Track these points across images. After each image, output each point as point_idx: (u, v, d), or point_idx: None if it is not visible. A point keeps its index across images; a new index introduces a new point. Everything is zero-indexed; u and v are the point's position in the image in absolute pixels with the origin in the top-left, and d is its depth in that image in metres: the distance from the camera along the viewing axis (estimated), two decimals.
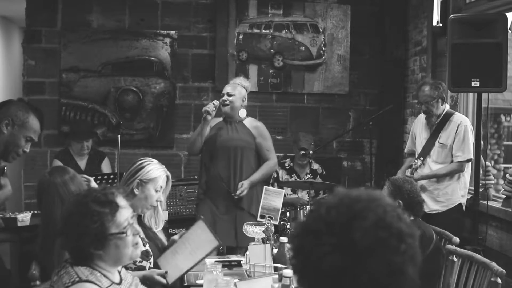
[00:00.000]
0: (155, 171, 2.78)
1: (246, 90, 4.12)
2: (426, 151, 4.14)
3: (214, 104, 3.94)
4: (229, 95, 4.00)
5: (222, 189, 3.95)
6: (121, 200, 1.88)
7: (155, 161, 2.87)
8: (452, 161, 4.06)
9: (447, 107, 4.18)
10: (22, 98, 3.07)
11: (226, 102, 3.99)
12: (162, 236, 2.94)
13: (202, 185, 4.03)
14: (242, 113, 4.03)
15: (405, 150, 4.57)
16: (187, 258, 2.69)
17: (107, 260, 1.85)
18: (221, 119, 4.09)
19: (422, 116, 4.30)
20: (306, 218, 1.13)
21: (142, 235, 2.58)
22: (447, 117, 4.11)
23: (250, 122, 4.11)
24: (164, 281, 2.58)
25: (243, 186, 3.90)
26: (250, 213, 3.92)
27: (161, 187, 2.80)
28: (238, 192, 3.88)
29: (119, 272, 1.96)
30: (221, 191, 3.95)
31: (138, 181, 2.75)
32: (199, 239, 2.73)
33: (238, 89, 4.03)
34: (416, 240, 1.09)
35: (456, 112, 4.21)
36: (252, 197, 3.97)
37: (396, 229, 1.06)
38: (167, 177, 2.87)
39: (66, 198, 2.42)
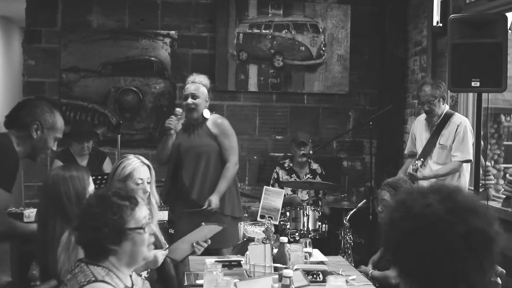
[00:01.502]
0: (128, 166, 2.74)
1: (207, 88, 3.93)
2: (426, 152, 4.14)
3: (176, 116, 3.80)
4: (194, 97, 3.80)
5: (184, 194, 3.82)
6: (140, 198, 1.91)
7: (130, 156, 2.81)
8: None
9: (447, 107, 4.18)
10: (40, 96, 3.06)
11: (192, 107, 3.79)
12: (159, 236, 2.91)
13: (163, 196, 3.84)
14: (207, 113, 3.85)
15: (405, 152, 4.56)
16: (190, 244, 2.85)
17: (122, 258, 1.83)
18: (183, 123, 3.93)
19: (422, 117, 4.30)
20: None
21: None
22: (447, 117, 4.11)
23: (213, 121, 3.90)
24: (161, 257, 2.59)
25: (213, 203, 3.73)
26: (224, 214, 3.83)
27: (141, 179, 2.74)
28: (208, 208, 3.72)
29: (130, 277, 1.95)
30: (183, 197, 3.81)
31: (117, 181, 2.74)
32: (200, 233, 2.85)
33: (201, 90, 3.84)
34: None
35: (456, 113, 4.22)
36: (222, 198, 3.84)
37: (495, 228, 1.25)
38: (148, 166, 2.79)
39: (69, 196, 2.42)
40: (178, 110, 3.85)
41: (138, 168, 2.74)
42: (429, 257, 1.16)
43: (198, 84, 3.86)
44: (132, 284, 1.93)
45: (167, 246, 2.82)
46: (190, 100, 3.81)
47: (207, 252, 3.46)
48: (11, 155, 2.71)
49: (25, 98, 2.97)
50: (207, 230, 2.89)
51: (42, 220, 2.48)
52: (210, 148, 3.84)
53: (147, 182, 2.78)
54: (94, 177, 3.92)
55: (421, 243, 1.17)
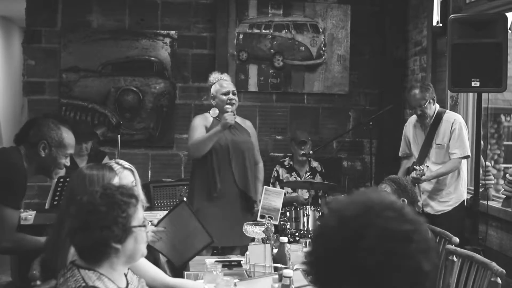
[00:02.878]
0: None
1: None
2: (424, 153, 4.14)
3: (232, 112, 3.75)
4: (234, 93, 3.85)
5: (234, 192, 3.82)
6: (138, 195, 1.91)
7: (111, 162, 2.67)
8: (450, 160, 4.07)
9: (437, 106, 4.18)
10: (47, 114, 3.07)
11: (234, 102, 3.82)
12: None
13: (213, 191, 3.78)
14: (214, 112, 3.85)
15: (399, 154, 4.54)
16: (184, 243, 2.78)
17: (122, 257, 1.82)
18: (211, 118, 3.88)
19: (413, 118, 4.30)
20: (313, 245, 1.10)
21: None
22: (439, 116, 4.11)
23: (242, 121, 3.99)
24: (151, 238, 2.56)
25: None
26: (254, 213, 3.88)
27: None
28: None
29: (125, 275, 1.94)
30: (233, 195, 3.82)
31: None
32: (188, 226, 2.78)
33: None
34: (423, 229, 1.05)
35: (447, 110, 4.23)
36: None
37: (401, 232, 1.02)
38: (130, 169, 2.67)
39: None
40: (228, 106, 3.79)
41: (119, 174, 2.60)
42: None
43: (231, 82, 3.95)
44: (127, 284, 1.92)
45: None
46: (231, 96, 3.83)
47: (223, 252, 3.50)
48: (20, 173, 2.74)
49: (35, 116, 3.01)
50: (193, 233, 2.81)
51: (60, 217, 2.45)
52: (251, 145, 3.93)
53: (133, 186, 2.66)
54: None
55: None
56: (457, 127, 4.01)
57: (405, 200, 3.19)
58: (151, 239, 2.58)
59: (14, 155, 2.78)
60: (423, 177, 3.90)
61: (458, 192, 4.08)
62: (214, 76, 3.95)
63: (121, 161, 2.70)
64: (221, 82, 3.90)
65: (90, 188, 2.30)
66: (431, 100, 4.07)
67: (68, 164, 2.88)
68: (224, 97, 3.82)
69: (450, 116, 4.09)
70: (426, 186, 4.11)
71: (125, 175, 2.64)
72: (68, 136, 2.83)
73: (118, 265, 1.84)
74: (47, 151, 2.76)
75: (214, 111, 3.84)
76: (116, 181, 2.41)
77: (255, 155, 3.99)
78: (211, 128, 3.82)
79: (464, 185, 4.14)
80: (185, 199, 2.81)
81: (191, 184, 3.98)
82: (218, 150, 3.77)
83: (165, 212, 4.37)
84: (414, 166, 4.00)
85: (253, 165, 3.96)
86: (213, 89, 3.90)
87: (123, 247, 1.80)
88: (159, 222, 2.77)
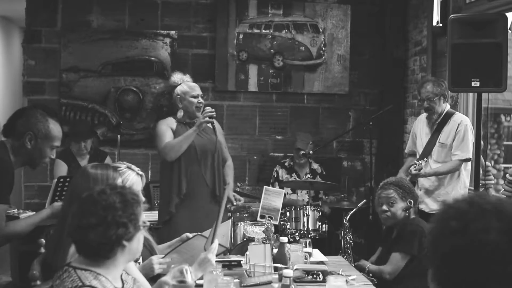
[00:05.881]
0: (126, 182, 2.51)
1: None
2: (427, 151, 4.14)
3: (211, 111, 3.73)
4: (201, 97, 3.84)
5: (205, 193, 3.80)
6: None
7: (122, 166, 2.55)
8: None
9: (447, 106, 4.18)
10: (35, 105, 3.00)
11: (201, 106, 3.79)
12: (148, 235, 2.87)
13: (180, 194, 3.76)
14: (180, 114, 3.84)
15: (406, 151, 4.56)
16: (188, 260, 2.70)
17: (126, 254, 1.83)
18: (174, 122, 3.85)
19: (423, 116, 4.30)
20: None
21: None
22: (448, 116, 4.11)
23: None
24: (159, 270, 2.55)
25: (237, 197, 3.91)
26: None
27: (138, 191, 2.46)
28: (236, 202, 3.86)
29: (121, 276, 1.94)
30: (204, 196, 3.79)
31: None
32: (200, 246, 2.74)
33: None
34: None
35: (457, 112, 4.22)
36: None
37: None
38: (141, 175, 2.62)
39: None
40: (208, 107, 3.75)
41: (137, 182, 2.56)
42: (470, 284, 1.06)
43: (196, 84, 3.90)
44: (123, 284, 1.92)
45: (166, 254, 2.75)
46: (200, 99, 3.81)
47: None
48: (6, 168, 2.69)
49: (24, 106, 2.94)
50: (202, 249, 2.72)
51: (62, 216, 2.43)
52: (219, 145, 3.87)
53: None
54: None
55: (467, 267, 1.06)
56: (463, 129, 4.00)
57: (412, 201, 3.19)
58: (158, 271, 2.56)
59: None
60: (421, 172, 3.91)
61: (456, 194, 4.05)
62: (178, 77, 3.88)
63: (133, 167, 2.61)
64: (190, 85, 3.84)
65: (95, 187, 2.29)
66: (442, 97, 4.08)
67: (53, 156, 2.83)
68: (194, 100, 3.78)
69: (458, 117, 4.10)
70: (425, 182, 4.12)
71: (139, 181, 2.56)
72: (55, 128, 2.78)
73: (120, 262, 1.85)
74: (33, 143, 2.72)
75: (180, 113, 3.81)
76: (119, 181, 2.38)
77: (224, 152, 3.95)
78: (176, 131, 3.79)
79: (464, 188, 4.09)
80: (198, 233, 2.77)
81: (161, 187, 3.99)
82: (185, 152, 3.75)
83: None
84: (414, 161, 4.01)
85: (222, 164, 3.93)
86: (180, 90, 3.81)
87: (130, 245, 1.81)
88: (167, 253, 2.73)
